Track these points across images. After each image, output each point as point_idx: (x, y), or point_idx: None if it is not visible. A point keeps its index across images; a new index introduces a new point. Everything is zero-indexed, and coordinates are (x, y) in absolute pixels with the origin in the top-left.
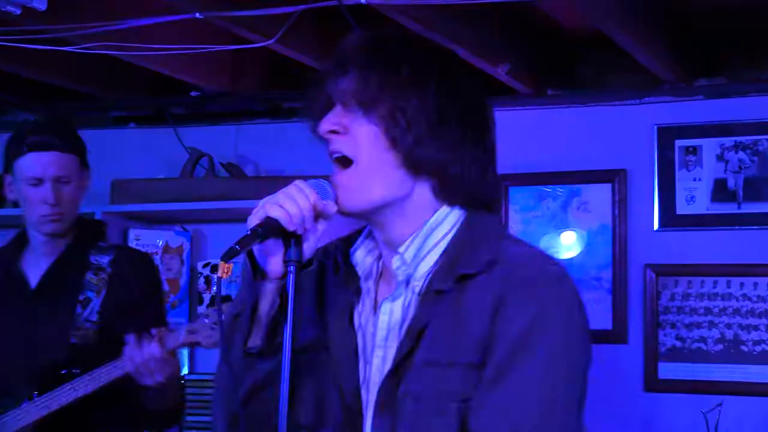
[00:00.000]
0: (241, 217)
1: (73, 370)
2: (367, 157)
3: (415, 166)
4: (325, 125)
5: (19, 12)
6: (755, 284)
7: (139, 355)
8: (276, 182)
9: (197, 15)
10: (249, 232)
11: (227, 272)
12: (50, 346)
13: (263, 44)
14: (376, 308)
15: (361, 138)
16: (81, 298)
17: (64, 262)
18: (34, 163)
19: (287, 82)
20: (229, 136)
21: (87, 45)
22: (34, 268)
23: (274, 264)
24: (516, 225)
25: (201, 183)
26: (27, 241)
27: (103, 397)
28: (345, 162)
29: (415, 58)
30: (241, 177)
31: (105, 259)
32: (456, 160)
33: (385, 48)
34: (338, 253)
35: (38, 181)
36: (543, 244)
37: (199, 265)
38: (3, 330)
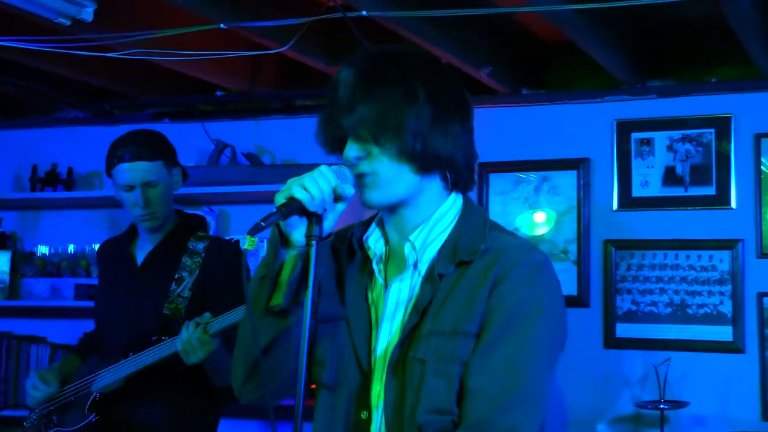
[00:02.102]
0: (259, 199)
1: (163, 337)
2: (386, 172)
3: (426, 167)
4: (350, 152)
5: (69, 23)
6: (699, 256)
7: (184, 337)
8: (288, 169)
9: (222, 25)
10: (275, 210)
11: (252, 245)
12: (146, 316)
13: (278, 50)
14: (386, 287)
15: (378, 159)
16: (176, 276)
17: (164, 246)
18: (124, 173)
19: (299, 83)
20: (249, 129)
21: (127, 51)
22: (141, 251)
23: (297, 234)
24: (495, 206)
25: (225, 170)
26: (137, 232)
27: (183, 367)
28: (365, 174)
29: (404, 75)
30: (259, 165)
31: (200, 246)
32: (457, 148)
33: (378, 76)
34: (354, 240)
35: (129, 188)
36: (518, 222)
37: (246, 242)
38: (113, 300)
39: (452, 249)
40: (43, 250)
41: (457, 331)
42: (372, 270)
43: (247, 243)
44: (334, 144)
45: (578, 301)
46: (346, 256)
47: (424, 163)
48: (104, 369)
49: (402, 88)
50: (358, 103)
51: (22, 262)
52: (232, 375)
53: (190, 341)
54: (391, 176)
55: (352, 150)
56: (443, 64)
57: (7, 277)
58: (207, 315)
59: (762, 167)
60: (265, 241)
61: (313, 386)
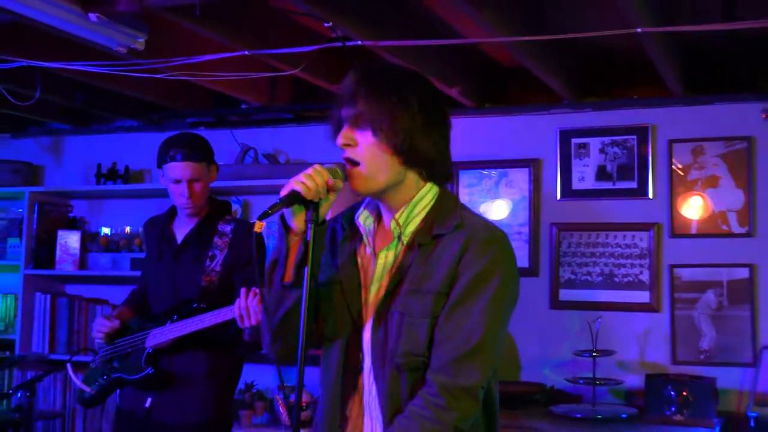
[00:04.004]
0: (276, 191)
1: (201, 305)
2: (370, 161)
3: (408, 162)
4: (339, 140)
5: (125, 51)
6: (624, 236)
7: (243, 305)
8: (300, 167)
9: (246, 52)
10: (278, 200)
11: (261, 228)
12: (187, 286)
13: (291, 72)
14: (375, 255)
15: (366, 148)
16: (209, 254)
17: (199, 228)
18: (175, 169)
19: (308, 98)
20: (268, 135)
21: (171, 73)
22: (180, 231)
23: (298, 223)
24: (464, 196)
25: (248, 167)
26: (176, 213)
27: (218, 327)
28: (354, 163)
29: (400, 85)
30: (276, 163)
31: (228, 228)
32: (437, 150)
33: (378, 82)
34: (345, 221)
35: (177, 182)
36: (482, 209)
37: (255, 226)
38: (157, 271)
39: (430, 225)
40: (105, 230)
41: (430, 290)
42: (361, 242)
43: (256, 226)
44: (334, 131)
45: (530, 271)
46: (340, 233)
47: (408, 157)
48: (155, 328)
49: (400, 94)
50: (359, 98)
51: (89, 240)
52: (263, 338)
53: (248, 307)
54: (377, 167)
55: (341, 137)
56: (433, 84)
57: (77, 252)
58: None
59: (673, 166)
60: (274, 225)
61: None
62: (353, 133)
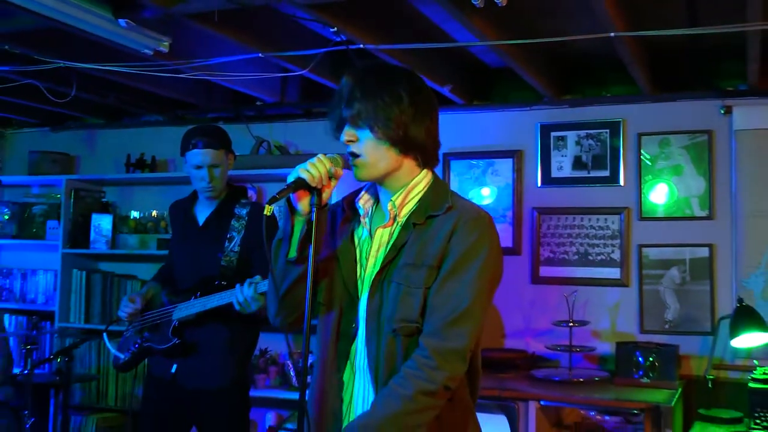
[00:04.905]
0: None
1: (222, 283)
2: (371, 152)
3: (404, 151)
4: (343, 137)
5: (152, 54)
6: (597, 219)
7: (241, 297)
8: (308, 158)
9: (260, 55)
10: (285, 186)
11: (269, 211)
12: (209, 265)
13: (300, 73)
14: (371, 233)
15: (366, 142)
16: (228, 235)
17: (219, 211)
18: (197, 156)
19: (315, 96)
20: (280, 129)
21: (192, 73)
22: (201, 214)
23: (302, 206)
24: (454, 184)
25: (263, 158)
26: (197, 197)
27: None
28: (356, 155)
29: (390, 83)
30: (287, 154)
31: (244, 211)
32: (429, 135)
33: (370, 83)
34: (346, 204)
35: (199, 167)
36: (471, 195)
37: (265, 209)
38: (181, 251)
39: (424, 207)
40: (134, 214)
41: (424, 264)
42: (358, 222)
43: (265, 210)
44: (336, 129)
45: (513, 250)
46: (340, 215)
47: (404, 146)
48: (181, 303)
49: (390, 92)
50: (356, 101)
51: (120, 222)
52: (269, 310)
53: (246, 300)
54: (377, 157)
55: (344, 135)
56: (419, 77)
57: (110, 234)
58: (258, 277)
59: (641, 156)
60: (282, 208)
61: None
62: (354, 131)
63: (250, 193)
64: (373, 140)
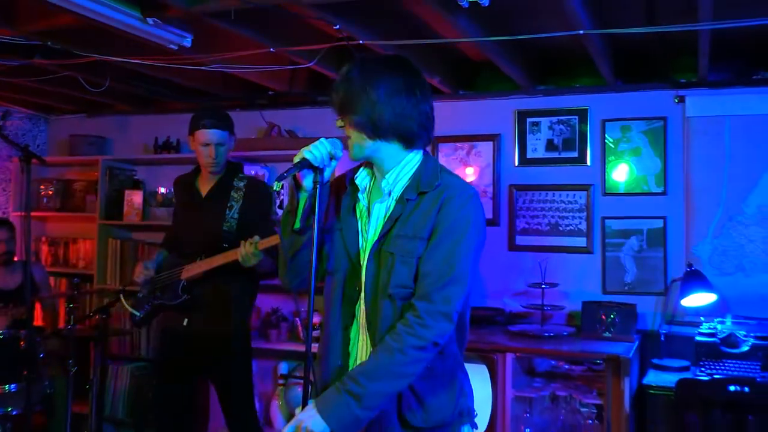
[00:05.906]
0: None
1: (224, 245)
2: (353, 137)
3: (378, 136)
4: (337, 123)
5: (176, 48)
6: (566, 194)
7: (243, 252)
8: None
9: (271, 49)
10: (291, 166)
11: (279, 187)
12: (212, 230)
13: (307, 65)
14: (369, 207)
15: (348, 128)
16: (228, 204)
17: (219, 184)
18: (204, 135)
19: (320, 86)
20: (289, 115)
21: (212, 66)
22: (204, 186)
23: (306, 182)
24: (442, 164)
25: (274, 140)
26: (200, 171)
27: (236, 262)
28: (347, 138)
29: (365, 75)
30: (295, 138)
31: (241, 184)
32: (403, 118)
33: (352, 76)
34: (347, 180)
35: (206, 145)
36: (457, 173)
37: (275, 185)
38: (187, 219)
39: (416, 183)
40: (162, 190)
41: (416, 235)
42: (359, 197)
43: (275, 186)
44: (334, 112)
45: (493, 222)
46: (343, 190)
47: (374, 132)
48: (188, 264)
49: (362, 83)
50: (335, 92)
51: (149, 197)
52: (279, 273)
53: (246, 254)
54: (357, 141)
55: (337, 122)
56: (400, 60)
57: (140, 207)
58: (257, 237)
59: (605, 140)
60: (288, 185)
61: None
62: (342, 119)
63: (263, 172)
64: (350, 126)
